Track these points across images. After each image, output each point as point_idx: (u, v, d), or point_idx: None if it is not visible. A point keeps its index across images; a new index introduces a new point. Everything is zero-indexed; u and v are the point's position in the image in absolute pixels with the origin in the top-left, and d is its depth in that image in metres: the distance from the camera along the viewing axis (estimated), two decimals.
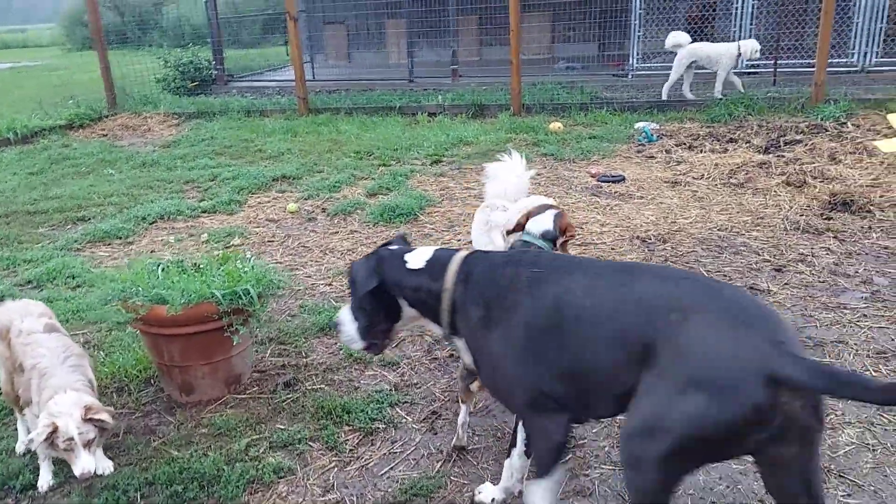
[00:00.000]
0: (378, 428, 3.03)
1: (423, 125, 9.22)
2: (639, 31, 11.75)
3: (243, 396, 3.30)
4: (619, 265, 2.15)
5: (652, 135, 7.88)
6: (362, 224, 5.57)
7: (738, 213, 5.41)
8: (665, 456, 1.73)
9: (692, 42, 9.61)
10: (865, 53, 10.84)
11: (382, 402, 3.18)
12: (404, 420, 3.09)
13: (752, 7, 11.24)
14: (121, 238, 5.52)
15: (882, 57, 10.88)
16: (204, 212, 6.06)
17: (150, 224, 5.80)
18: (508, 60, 9.64)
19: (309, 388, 3.35)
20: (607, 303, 1.92)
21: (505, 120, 9.14)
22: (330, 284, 4.51)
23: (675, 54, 9.66)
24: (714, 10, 12.54)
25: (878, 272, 4.26)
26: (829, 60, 9.57)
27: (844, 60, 10.81)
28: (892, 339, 3.48)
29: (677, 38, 9.62)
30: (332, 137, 8.59)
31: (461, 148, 7.82)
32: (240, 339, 3.05)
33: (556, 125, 8.58)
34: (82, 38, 26.40)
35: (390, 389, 3.31)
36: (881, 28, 10.74)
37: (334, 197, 6.29)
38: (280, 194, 6.49)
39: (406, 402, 3.21)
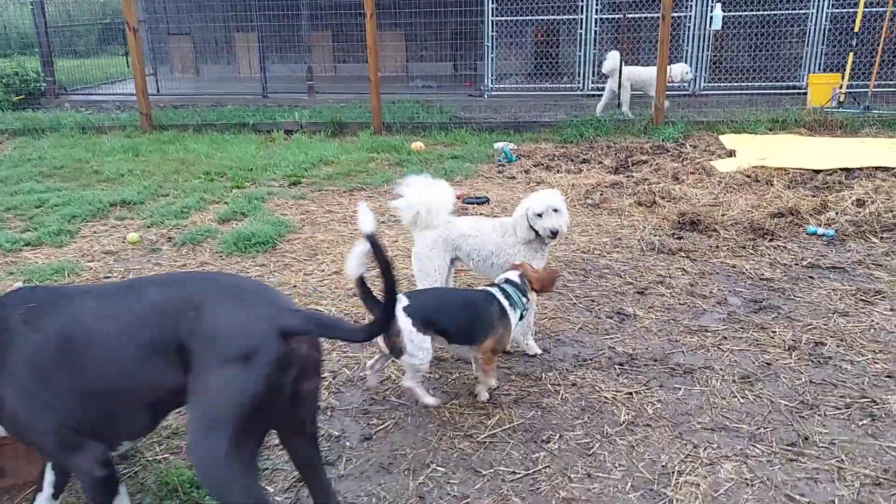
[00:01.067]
0: None
1: (279, 143, 8.75)
2: (492, 54, 11.92)
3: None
4: (125, 283, 2.16)
5: (511, 155, 7.92)
6: (214, 255, 4.99)
7: (597, 234, 5.45)
8: (234, 442, 1.84)
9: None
10: (695, 78, 11.61)
11: None
12: (265, 491, 2.66)
13: (594, 33, 11.72)
14: None
15: (709, 82, 11.72)
16: (27, 244, 5.20)
17: None
18: (366, 77, 9.39)
19: (150, 458, 2.84)
20: (122, 319, 1.96)
21: (366, 138, 8.87)
22: None
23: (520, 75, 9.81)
24: (559, 35, 12.98)
25: (730, 291, 4.38)
26: (666, 84, 10.11)
27: (678, 84, 11.51)
28: (753, 362, 3.53)
29: (615, 61, 9.70)
30: (180, 157, 7.86)
31: (321, 168, 7.45)
32: None
33: (417, 145, 8.43)
34: None
35: None
36: (707, 56, 11.56)
37: (182, 224, 5.63)
38: (119, 222, 5.73)
39: (266, 468, 2.77)
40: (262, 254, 4.98)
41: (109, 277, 4.61)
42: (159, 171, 7.30)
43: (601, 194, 6.46)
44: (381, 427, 3.00)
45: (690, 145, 8.21)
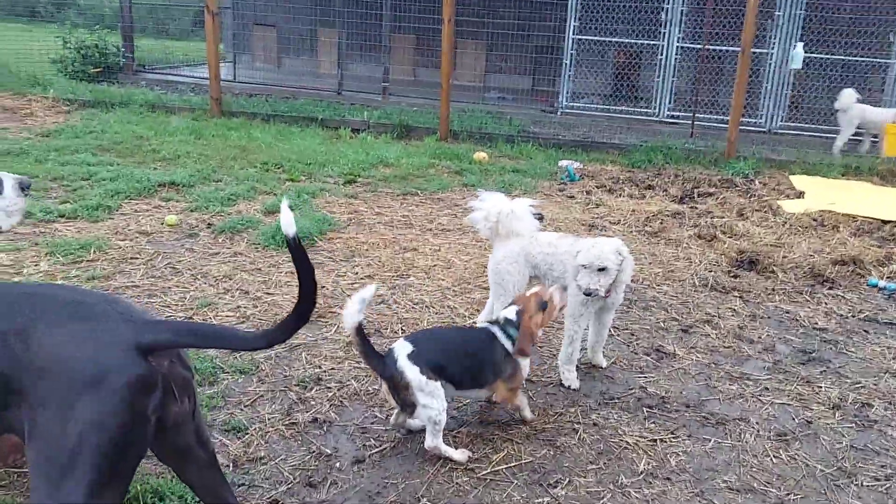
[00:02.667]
0: None
1: (344, 141, 8.72)
2: (569, 71, 11.70)
3: (24, 470, 2.44)
4: None
5: (574, 174, 7.70)
6: (250, 246, 4.83)
7: (650, 263, 5.17)
8: (94, 490, 1.56)
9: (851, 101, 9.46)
10: (773, 116, 11.19)
11: None
12: None
13: (675, 61, 11.36)
14: None
15: (786, 121, 11.22)
16: (62, 216, 5.04)
17: None
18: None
19: None
20: None
21: (430, 144, 8.77)
22: (190, 318, 3.65)
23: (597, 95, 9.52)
24: (640, 59, 12.64)
25: (780, 338, 4.07)
26: (741, 119, 9.73)
27: (754, 121, 11.12)
28: (793, 419, 3.23)
29: (847, 98, 9.42)
30: (241, 144, 7.84)
31: (380, 169, 7.35)
32: None
33: (481, 155, 8.28)
34: None
35: (227, 465, 2.58)
36: (786, 94, 11.09)
37: (226, 211, 5.49)
38: (164, 203, 5.60)
39: (243, 483, 2.50)
40: None
41: (137, 259, 4.45)
42: (217, 157, 7.24)
43: (661, 223, 6.20)
44: (376, 449, 2.76)
45: (760, 182, 7.91)
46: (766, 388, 3.49)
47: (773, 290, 4.80)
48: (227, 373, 3.14)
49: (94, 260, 4.37)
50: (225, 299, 3.92)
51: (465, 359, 2.79)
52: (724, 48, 10.94)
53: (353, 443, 2.79)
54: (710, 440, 3.02)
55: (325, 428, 2.87)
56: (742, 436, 3.07)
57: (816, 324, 4.31)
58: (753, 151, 9.21)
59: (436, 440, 2.68)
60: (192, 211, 5.48)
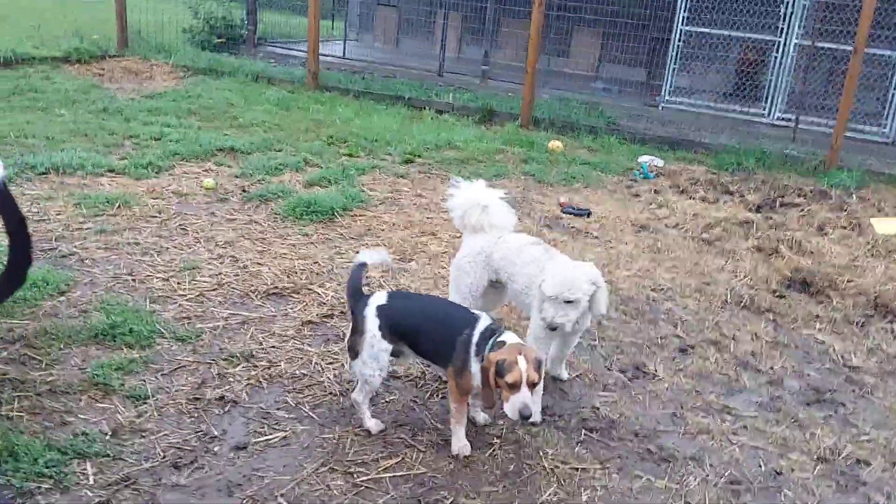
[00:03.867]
0: (39, 489, 2.15)
1: (424, 121, 8.54)
2: (674, 64, 10.85)
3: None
4: None
5: (649, 172, 7.11)
6: (270, 215, 4.73)
7: (687, 273, 4.65)
8: None
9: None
10: None
11: (68, 452, 2.29)
12: (83, 481, 2.21)
13: (792, 59, 10.21)
14: None
15: None
16: (111, 171, 5.14)
17: (39, 175, 4.90)
18: (551, 72, 8.92)
19: (4, 411, 2.42)
20: None
21: (509, 130, 8.42)
22: (166, 280, 3.59)
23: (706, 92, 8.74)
24: (766, 56, 11.51)
25: (795, 372, 3.50)
26: (861, 128, 8.62)
27: (876, 129, 9.74)
28: (760, 466, 2.73)
29: None
30: (318, 118, 7.83)
31: (444, 151, 7.12)
32: None
33: (555, 144, 7.83)
34: None
35: (105, 434, 2.42)
36: None
37: (268, 180, 5.44)
38: (216, 167, 5.63)
39: (108, 454, 2.32)
40: (314, 223, 4.69)
41: (155, 217, 4.45)
42: (289, 127, 7.25)
43: (722, 230, 5.60)
44: (265, 438, 2.54)
45: (859, 197, 6.94)
46: (745, 427, 2.99)
47: (818, 316, 4.16)
48: (166, 339, 3.07)
49: (114, 215, 4.43)
50: (212, 264, 3.87)
51: (433, 330, 2.57)
52: (843, 47, 9.69)
53: (245, 427, 2.60)
54: (642, 477, 2.61)
55: (227, 408, 2.68)
56: (685, 478, 2.63)
57: (850, 361, 3.68)
58: (860, 162, 8.10)
59: (362, 397, 2.64)
60: (236, 177, 5.48)
